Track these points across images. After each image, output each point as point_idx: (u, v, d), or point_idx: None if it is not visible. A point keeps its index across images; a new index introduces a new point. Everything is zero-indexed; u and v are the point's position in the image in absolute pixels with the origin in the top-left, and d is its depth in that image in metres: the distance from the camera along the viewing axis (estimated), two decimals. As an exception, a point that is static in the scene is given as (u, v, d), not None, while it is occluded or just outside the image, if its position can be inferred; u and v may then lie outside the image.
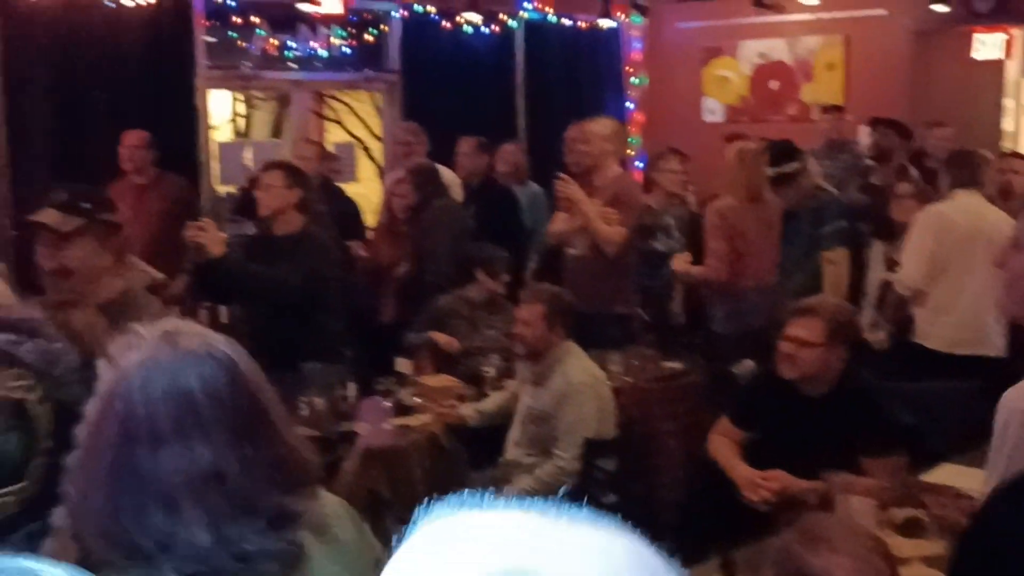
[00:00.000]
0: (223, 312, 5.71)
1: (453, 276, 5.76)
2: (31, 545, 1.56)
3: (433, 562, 0.70)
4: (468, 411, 4.81)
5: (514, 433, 4.56)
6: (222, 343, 1.53)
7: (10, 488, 1.70)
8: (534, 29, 9.17)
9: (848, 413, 3.67)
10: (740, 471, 3.77)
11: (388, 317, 6.32)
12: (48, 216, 3.04)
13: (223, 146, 8.53)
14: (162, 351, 1.47)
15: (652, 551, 0.71)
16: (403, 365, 5.21)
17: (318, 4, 7.68)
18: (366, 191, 8.68)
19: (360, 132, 9.86)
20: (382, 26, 8.47)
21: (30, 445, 1.72)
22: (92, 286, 3.01)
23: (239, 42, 7.95)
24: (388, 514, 4.01)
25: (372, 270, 6.44)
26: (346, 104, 9.91)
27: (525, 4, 9.09)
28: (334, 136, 9.77)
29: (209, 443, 1.43)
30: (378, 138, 9.43)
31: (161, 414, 1.43)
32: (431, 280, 5.99)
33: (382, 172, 8.90)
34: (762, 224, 5.51)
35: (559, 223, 5.70)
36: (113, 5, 6.78)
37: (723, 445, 3.93)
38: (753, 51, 9.69)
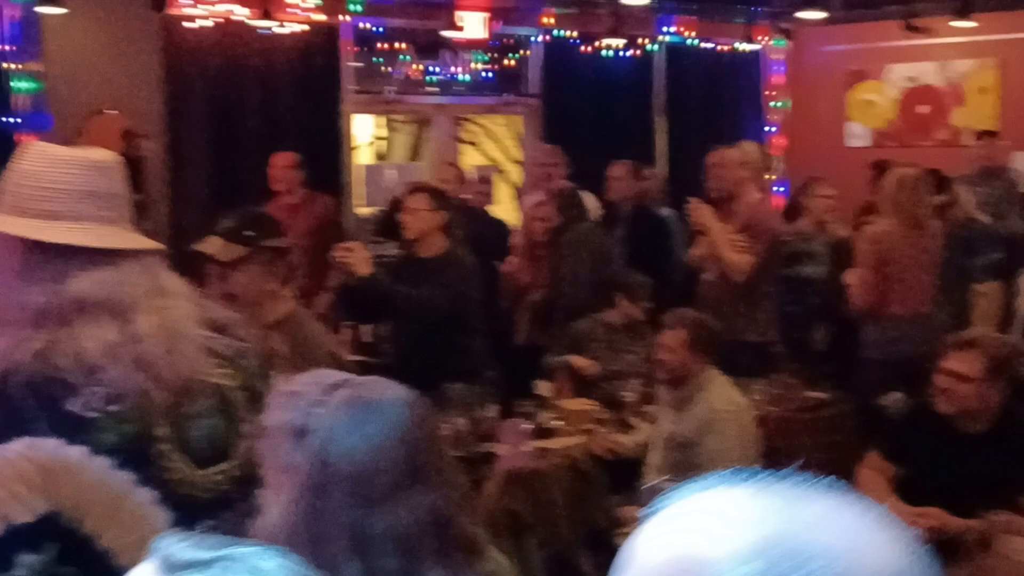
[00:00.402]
0: (366, 331, 5.83)
1: (591, 300, 5.74)
2: (243, 522, 1.63)
3: (689, 535, 0.69)
4: (626, 440, 4.77)
5: (654, 458, 4.51)
6: (390, 383, 1.55)
7: (220, 466, 1.81)
8: (674, 53, 9.13)
9: (1008, 451, 3.53)
10: (893, 507, 3.65)
11: (522, 340, 6.34)
12: (211, 246, 3.07)
13: (368, 168, 8.73)
14: (355, 407, 1.47)
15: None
16: (543, 388, 5.22)
17: (461, 30, 7.80)
18: (503, 214, 8.75)
19: (496, 155, 9.96)
20: (523, 51, 8.55)
21: (234, 427, 1.84)
22: (258, 309, 3.05)
23: (383, 67, 8.15)
24: (529, 536, 4.01)
25: (509, 292, 6.48)
26: (482, 127, 10.03)
27: (666, 28, 9.07)
28: (469, 159, 9.90)
29: (426, 485, 1.46)
30: (515, 161, 9.51)
31: (388, 467, 1.44)
32: (569, 304, 5.99)
33: (519, 195, 8.96)
34: (919, 251, 5.35)
35: (699, 247, 5.65)
36: (267, 32, 7.02)
37: (873, 480, 3.81)
38: (901, 75, 9.45)
